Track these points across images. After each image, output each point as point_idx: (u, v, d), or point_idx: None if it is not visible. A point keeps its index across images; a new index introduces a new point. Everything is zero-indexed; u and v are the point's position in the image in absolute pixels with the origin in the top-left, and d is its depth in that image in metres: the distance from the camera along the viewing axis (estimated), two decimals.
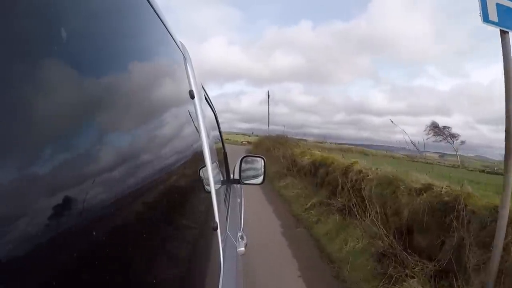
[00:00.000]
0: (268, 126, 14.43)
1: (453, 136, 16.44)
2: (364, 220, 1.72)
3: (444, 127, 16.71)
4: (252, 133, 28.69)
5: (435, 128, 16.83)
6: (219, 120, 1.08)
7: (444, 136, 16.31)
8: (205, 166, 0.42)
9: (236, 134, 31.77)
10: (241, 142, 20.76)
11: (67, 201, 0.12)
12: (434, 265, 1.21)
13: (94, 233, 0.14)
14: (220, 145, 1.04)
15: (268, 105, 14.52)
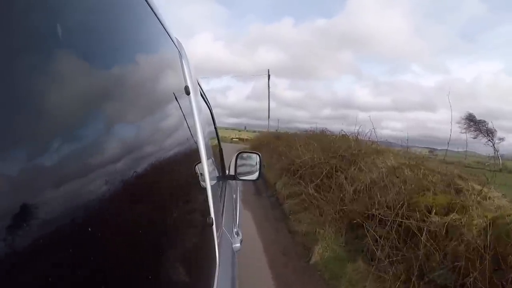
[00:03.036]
0: (269, 117, 11.76)
1: (490, 132, 12.69)
2: None
3: (480, 121, 12.92)
4: (245, 128, 23.85)
5: (471, 122, 12.99)
6: (215, 116, 1.06)
7: (481, 132, 12.71)
8: (200, 162, 0.42)
9: (226, 129, 24.64)
10: (231, 139, 16.38)
11: (60, 197, 0.12)
12: None
13: (89, 229, 0.14)
14: (216, 141, 1.04)
15: (269, 90, 11.91)
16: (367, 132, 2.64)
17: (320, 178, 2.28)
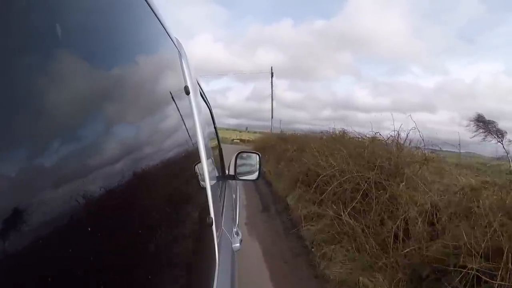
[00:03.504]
0: (272, 117, 10.81)
1: (500, 132, 11.54)
2: None
3: (489, 121, 11.75)
4: (247, 128, 22.08)
5: (480, 123, 11.72)
6: (214, 116, 1.09)
7: (490, 132, 11.53)
8: (200, 162, 0.43)
9: (226, 130, 23.12)
10: (232, 140, 15.61)
11: (60, 197, 0.13)
12: None
13: (89, 229, 0.14)
14: (216, 140, 1.05)
15: (272, 88, 11.01)
16: (407, 134, 1.88)
17: (357, 200, 1.57)
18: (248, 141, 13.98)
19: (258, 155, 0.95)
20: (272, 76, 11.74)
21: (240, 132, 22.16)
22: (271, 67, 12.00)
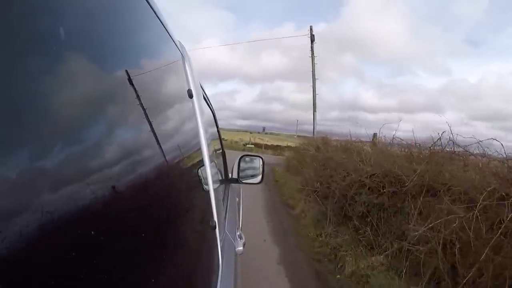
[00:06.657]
0: (315, 111, 6.91)
1: None
2: None
3: None
4: (264, 129, 18.93)
5: None
6: (217, 119, 1.10)
7: None
8: (203, 165, 0.42)
9: (237, 131, 19.94)
10: (245, 145, 11.77)
11: (64, 199, 0.13)
12: None
13: (92, 232, 0.14)
14: (219, 144, 1.06)
15: (312, 56, 6.87)
16: None
17: None
18: (267, 146, 10.10)
19: (261, 158, 0.95)
20: (312, 41, 7.25)
21: (251, 133, 17.82)
22: (310, 26, 7.41)
